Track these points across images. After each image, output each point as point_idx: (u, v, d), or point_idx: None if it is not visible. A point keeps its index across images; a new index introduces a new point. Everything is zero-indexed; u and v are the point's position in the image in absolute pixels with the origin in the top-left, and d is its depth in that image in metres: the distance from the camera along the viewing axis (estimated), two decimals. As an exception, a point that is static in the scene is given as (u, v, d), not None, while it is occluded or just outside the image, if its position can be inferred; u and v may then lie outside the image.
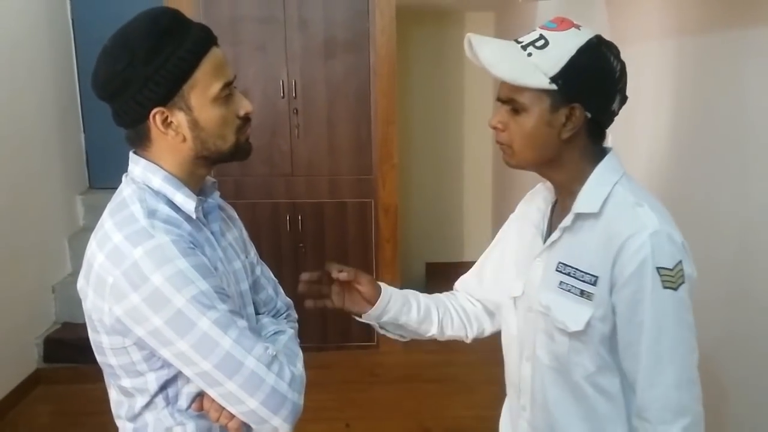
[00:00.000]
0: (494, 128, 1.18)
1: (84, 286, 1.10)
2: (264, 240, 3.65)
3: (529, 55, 1.10)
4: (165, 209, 1.10)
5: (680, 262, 1.08)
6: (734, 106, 1.50)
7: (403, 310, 1.38)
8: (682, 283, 1.07)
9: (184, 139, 1.11)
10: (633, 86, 2.03)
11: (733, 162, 1.51)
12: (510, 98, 1.13)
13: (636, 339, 1.10)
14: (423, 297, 1.44)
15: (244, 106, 1.15)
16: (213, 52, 1.11)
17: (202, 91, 1.09)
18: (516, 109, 1.13)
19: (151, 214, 1.08)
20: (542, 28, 1.14)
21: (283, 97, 3.55)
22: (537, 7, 3.40)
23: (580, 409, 1.19)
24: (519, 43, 1.14)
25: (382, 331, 1.42)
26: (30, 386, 3.45)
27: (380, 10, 3.49)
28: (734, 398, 1.53)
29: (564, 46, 1.09)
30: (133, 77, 1.06)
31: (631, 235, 1.08)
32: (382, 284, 1.38)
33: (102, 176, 4.21)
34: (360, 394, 3.40)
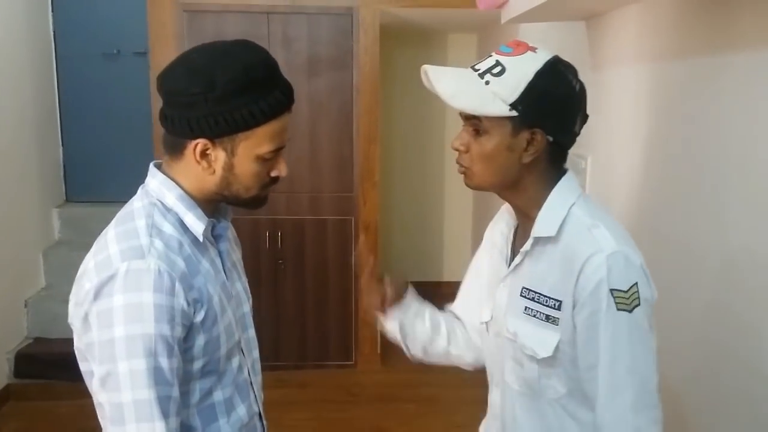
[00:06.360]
0: (456, 150, 1.16)
1: (72, 293, 1.10)
2: (244, 256, 3.61)
3: (487, 83, 1.09)
4: (169, 229, 1.09)
5: (635, 284, 1.06)
6: (710, 130, 1.53)
7: (417, 317, 1.40)
8: (637, 305, 1.06)
9: (214, 173, 1.11)
10: (612, 110, 2.06)
11: (709, 185, 1.53)
12: (472, 116, 1.12)
13: (594, 362, 1.09)
14: (433, 309, 1.44)
15: (280, 170, 1.15)
16: (282, 117, 1.10)
17: (252, 146, 1.09)
18: (477, 131, 1.12)
19: (155, 233, 1.07)
20: (498, 53, 1.12)
21: (266, 113, 3.54)
22: (519, 29, 3.45)
23: None
24: (476, 70, 1.11)
25: (403, 344, 1.41)
26: (0, 402, 3.39)
27: (364, 29, 3.51)
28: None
29: (521, 71, 1.08)
30: (199, 106, 1.04)
31: (589, 257, 1.07)
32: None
33: (79, 190, 4.12)
34: (338, 414, 3.37)
